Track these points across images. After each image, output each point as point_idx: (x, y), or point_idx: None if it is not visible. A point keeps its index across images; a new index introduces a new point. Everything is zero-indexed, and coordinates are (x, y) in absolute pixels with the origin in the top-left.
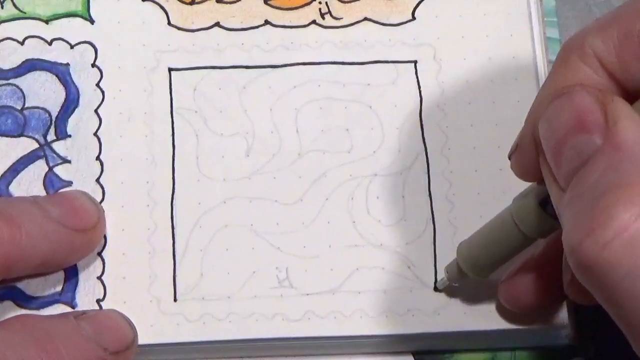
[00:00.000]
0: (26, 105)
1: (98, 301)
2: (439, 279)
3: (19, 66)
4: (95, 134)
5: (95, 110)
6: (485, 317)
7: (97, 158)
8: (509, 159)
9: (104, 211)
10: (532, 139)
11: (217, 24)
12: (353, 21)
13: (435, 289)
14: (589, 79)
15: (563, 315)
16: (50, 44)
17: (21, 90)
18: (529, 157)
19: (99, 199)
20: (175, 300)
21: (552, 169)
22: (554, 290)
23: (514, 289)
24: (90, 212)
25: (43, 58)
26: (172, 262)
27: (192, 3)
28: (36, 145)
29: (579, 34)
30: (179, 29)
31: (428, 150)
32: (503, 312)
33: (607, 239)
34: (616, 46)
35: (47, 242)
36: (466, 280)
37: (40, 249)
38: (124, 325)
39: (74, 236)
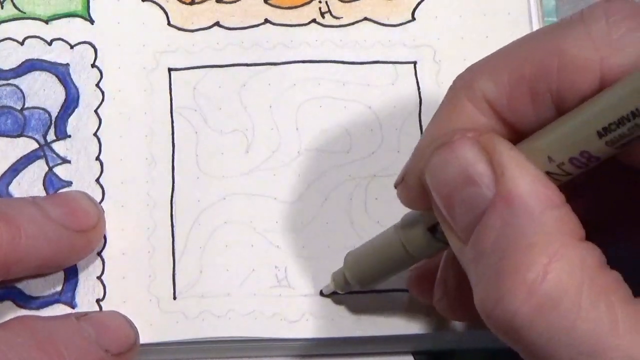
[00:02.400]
0: (26, 106)
1: (98, 301)
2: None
3: (19, 66)
4: (95, 134)
5: (95, 111)
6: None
7: (97, 158)
8: (395, 187)
9: (103, 212)
10: (417, 177)
11: (217, 24)
12: (353, 21)
13: (321, 294)
14: (476, 121)
15: None
16: (50, 44)
17: (21, 90)
18: (414, 192)
19: (98, 199)
20: (174, 298)
21: (446, 219)
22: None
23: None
24: (90, 212)
25: (43, 58)
26: (172, 260)
27: (191, 3)
28: (36, 146)
29: (468, 73)
30: (178, 29)
31: None
32: None
33: (516, 305)
34: (506, 89)
35: (46, 243)
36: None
37: (39, 250)
38: (126, 327)
39: (74, 237)
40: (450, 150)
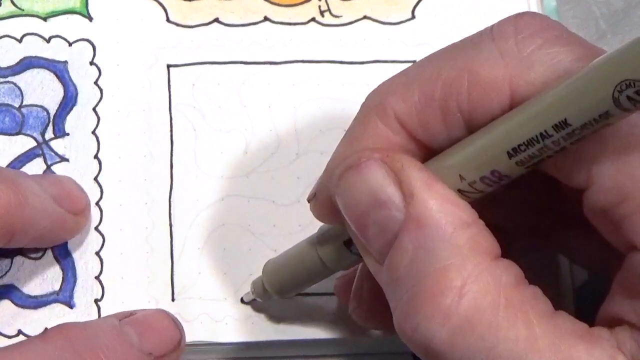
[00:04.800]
0: (24, 103)
1: (96, 301)
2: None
3: (17, 64)
4: (93, 132)
5: (94, 108)
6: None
7: (95, 156)
8: (308, 202)
9: (90, 201)
10: (328, 195)
11: (216, 20)
12: (352, 19)
13: (242, 301)
14: (388, 140)
15: None
16: (48, 41)
17: (19, 88)
18: (326, 208)
19: (97, 197)
20: (172, 299)
21: (361, 241)
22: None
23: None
24: (80, 197)
25: (41, 55)
26: (170, 261)
27: None
28: (34, 144)
29: (380, 91)
30: (177, 25)
31: None
32: None
33: (433, 330)
34: (417, 108)
35: (45, 216)
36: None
37: (39, 222)
38: (171, 327)
39: (67, 216)
40: (357, 173)
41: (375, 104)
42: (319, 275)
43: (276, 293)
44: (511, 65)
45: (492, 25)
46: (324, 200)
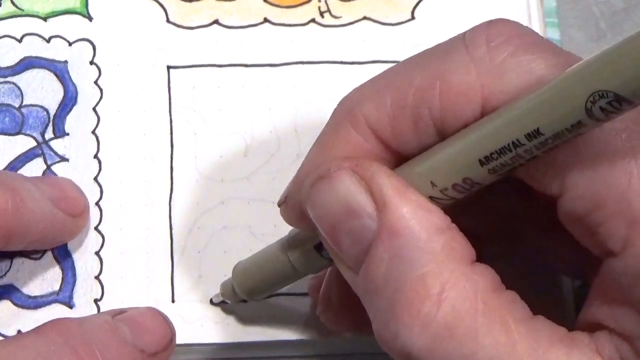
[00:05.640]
0: (24, 103)
1: (95, 301)
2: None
3: (17, 64)
4: (93, 132)
5: (94, 108)
6: None
7: (95, 156)
8: (278, 206)
9: (89, 203)
10: (298, 202)
11: (216, 22)
12: (352, 20)
13: (211, 302)
14: (359, 147)
15: None
16: (48, 41)
17: (19, 88)
18: (295, 214)
19: (96, 197)
20: (173, 301)
21: (334, 250)
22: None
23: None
24: (79, 199)
25: (41, 56)
26: (170, 263)
27: (190, 0)
28: (34, 144)
29: (351, 97)
30: (177, 26)
31: None
32: None
33: (413, 339)
34: (390, 116)
35: (43, 219)
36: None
37: (37, 225)
38: (163, 325)
39: (65, 219)
40: (327, 183)
41: (348, 110)
42: (289, 279)
43: (246, 295)
44: (483, 73)
45: (465, 32)
46: (294, 206)
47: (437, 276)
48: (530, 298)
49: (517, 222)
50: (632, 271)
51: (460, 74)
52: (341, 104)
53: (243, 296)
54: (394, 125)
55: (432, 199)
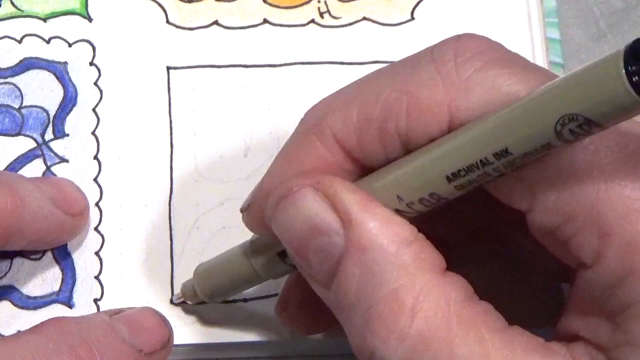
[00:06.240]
0: (24, 104)
1: (95, 301)
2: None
3: (17, 65)
4: (93, 132)
5: (93, 109)
6: None
7: (95, 157)
8: (241, 212)
9: (89, 203)
10: (261, 210)
11: (216, 22)
12: (352, 21)
13: (171, 302)
14: (325, 160)
15: None
16: (48, 42)
17: (19, 89)
18: (259, 219)
19: (96, 198)
20: (172, 302)
21: (304, 268)
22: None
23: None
24: (79, 199)
25: (41, 56)
26: (170, 263)
27: (190, 1)
28: (34, 145)
29: (318, 110)
30: (177, 27)
31: None
32: None
33: (389, 353)
34: (356, 129)
35: (43, 219)
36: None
37: (37, 224)
38: (160, 324)
39: (65, 218)
40: (291, 203)
41: (314, 122)
42: (251, 283)
43: (206, 297)
44: (450, 89)
45: (432, 47)
46: (256, 213)
47: (409, 289)
48: (515, 303)
49: (486, 229)
50: (605, 282)
51: (428, 89)
52: (308, 114)
53: (203, 298)
54: (360, 137)
55: (398, 212)
